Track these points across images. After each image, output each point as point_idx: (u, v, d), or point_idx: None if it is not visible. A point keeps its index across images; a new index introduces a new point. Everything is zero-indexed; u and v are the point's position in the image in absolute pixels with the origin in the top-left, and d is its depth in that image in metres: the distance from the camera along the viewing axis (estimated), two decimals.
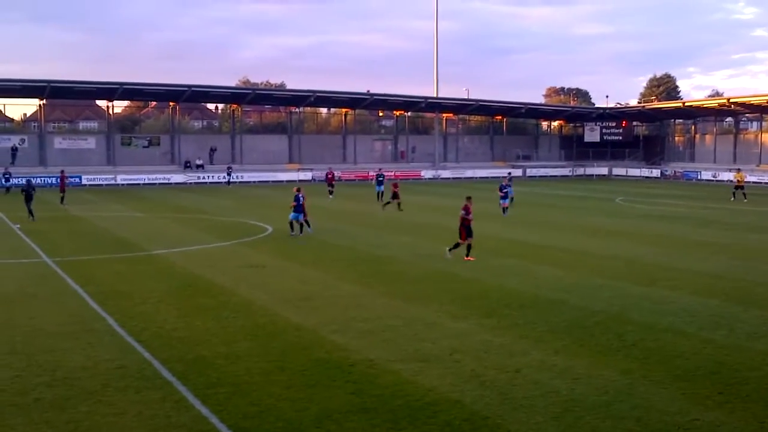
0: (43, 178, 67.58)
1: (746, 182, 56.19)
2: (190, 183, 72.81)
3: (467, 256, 25.65)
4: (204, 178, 73.92)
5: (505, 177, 44.87)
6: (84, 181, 70.07)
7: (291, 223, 32.32)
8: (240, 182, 72.66)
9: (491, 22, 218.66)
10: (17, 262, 25.69)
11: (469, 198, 27.04)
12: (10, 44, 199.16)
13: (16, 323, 16.96)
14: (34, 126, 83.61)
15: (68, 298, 19.70)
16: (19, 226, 35.51)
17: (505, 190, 41.17)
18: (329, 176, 58.53)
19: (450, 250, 26.02)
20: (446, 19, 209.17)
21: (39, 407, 11.71)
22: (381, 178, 52.54)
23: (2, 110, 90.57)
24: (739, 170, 57.16)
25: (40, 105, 75.86)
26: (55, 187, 65.84)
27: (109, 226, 36.40)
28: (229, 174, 73.59)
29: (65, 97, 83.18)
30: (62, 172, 53.08)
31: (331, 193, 55.65)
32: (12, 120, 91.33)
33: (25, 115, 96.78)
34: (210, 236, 32.15)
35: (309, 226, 32.55)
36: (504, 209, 40.79)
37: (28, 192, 39.10)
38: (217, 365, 13.81)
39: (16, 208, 44.39)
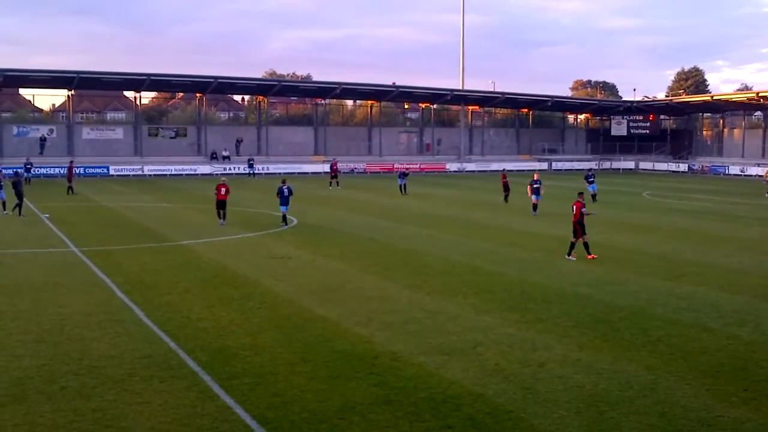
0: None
1: None
2: (217, 174, 73.11)
3: (588, 254, 24.67)
4: (230, 169, 74.12)
5: (535, 172, 43.02)
6: (111, 172, 70.62)
7: (284, 216, 33.04)
8: (265, 173, 72.75)
9: (518, 14, 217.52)
10: (45, 251, 25.98)
11: (581, 194, 26.10)
12: (44, 36, 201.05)
13: (43, 312, 17.17)
14: (63, 116, 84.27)
15: (95, 288, 19.90)
16: (48, 215, 35.87)
17: (536, 185, 38.74)
18: (334, 167, 58.83)
19: (569, 254, 24.94)
20: (473, 12, 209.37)
21: (66, 395, 11.87)
22: (404, 173, 52.67)
23: (32, 101, 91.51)
24: None
25: (68, 96, 76.48)
26: (82, 177, 66.59)
27: (135, 216, 36.70)
28: (251, 166, 73.77)
29: (93, 88, 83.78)
30: (71, 162, 53.33)
31: (332, 184, 56.30)
32: (41, 110, 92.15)
33: (53, 105, 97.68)
34: (235, 227, 32.30)
35: (224, 218, 33.32)
36: (534, 207, 38.34)
37: (18, 185, 36.33)
38: (241, 356, 13.92)
39: (44, 197, 44.90)
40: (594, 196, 43.57)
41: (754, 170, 77.31)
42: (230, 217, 34.19)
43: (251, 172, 72.97)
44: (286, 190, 32.67)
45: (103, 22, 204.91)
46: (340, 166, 77.25)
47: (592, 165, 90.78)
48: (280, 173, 74.19)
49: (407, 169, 59.39)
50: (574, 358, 13.91)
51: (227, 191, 33.58)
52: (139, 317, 16.80)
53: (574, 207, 25.05)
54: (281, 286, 20.28)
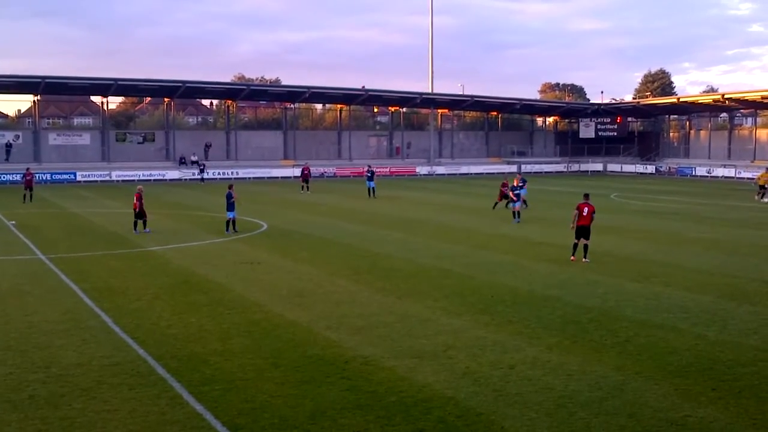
0: (38, 175, 67.48)
1: (750, 178, 55.61)
2: (185, 179, 72.70)
3: (584, 257, 24.62)
4: (207, 173, 73.68)
5: (517, 176, 40.57)
6: (79, 178, 70.01)
7: (229, 222, 31.85)
8: (235, 178, 72.34)
9: (488, 17, 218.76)
10: (11, 259, 25.66)
11: (586, 196, 25.54)
12: (8, 40, 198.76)
13: (10, 320, 16.96)
14: (29, 122, 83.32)
15: (63, 295, 19.69)
16: (14, 222, 35.46)
17: (517, 192, 37.25)
18: (305, 172, 58.50)
19: (584, 257, 24.58)
20: (442, 14, 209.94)
21: (33, 404, 11.73)
22: (370, 174, 52.62)
23: None
24: (767, 169, 53.12)
25: (34, 101, 75.67)
26: (49, 183, 65.95)
27: (103, 222, 36.39)
28: (201, 171, 72.93)
29: (60, 93, 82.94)
30: (27, 169, 51.54)
31: (304, 188, 55.91)
32: (6, 116, 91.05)
33: (19, 111, 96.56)
34: (204, 232, 32.15)
35: (145, 226, 31.92)
36: (515, 214, 36.61)
37: None
38: (211, 362, 13.83)
39: (12, 204, 44.39)
40: (524, 202, 40.93)
41: (720, 171, 78.31)
42: (198, 222, 33.99)
43: (201, 177, 72.18)
44: (230, 195, 31.70)
45: (69, 25, 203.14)
46: (311, 170, 77.37)
47: (561, 167, 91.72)
48: (249, 178, 74.08)
49: (369, 166, 58.80)
50: (544, 359, 13.99)
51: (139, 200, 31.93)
52: (107, 324, 16.64)
53: (586, 209, 24.65)
54: (251, 291, 20.19)
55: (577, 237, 24.82)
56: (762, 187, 49.82)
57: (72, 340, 15.33)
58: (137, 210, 31.87)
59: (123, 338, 15.45)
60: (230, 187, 32.62)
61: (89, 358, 14.01)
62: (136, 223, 31.98)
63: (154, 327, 16.37)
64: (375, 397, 11.98)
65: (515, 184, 37.52)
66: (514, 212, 36.60)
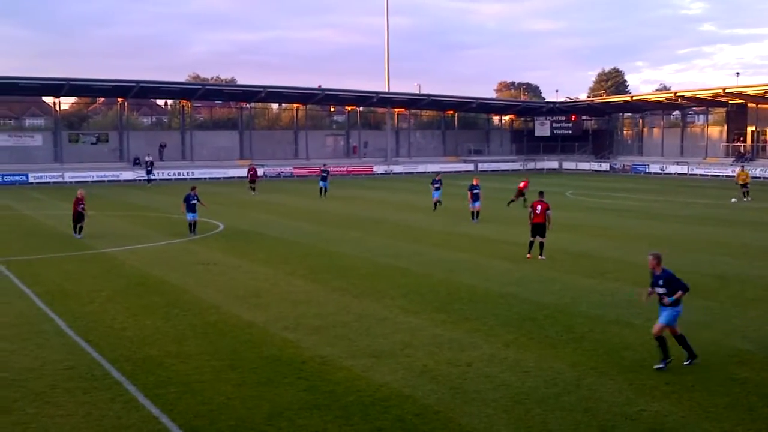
0: None
1: (702, 175, 54.88)
2: (140, 180, 71.85)
3: (540, 255, 24.81)
4: (154, 174, 72.84)
5: (475, 177, 39.66)
6: (30, 179, 68.85)
7: (191, 224, 31.18)
8: (191, 179, 71.61)
9: (444, 17, 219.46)
10: None
11: (541, 193, 25.76)
12: None
13: None
14: None
15: (15, 299, 19.36)
16: None
17: (476, 191, 35.99)
18: (251, 173, 57.49)
19: (540, 255, 24.77)
20: (399, 14, 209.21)
21: None
22: (325, 174, 52.39)
23: None
24: (743, 167, 51.63)
25: None
26: (0, 185, 64.86)
27: (56, 224, 35.81)
28: (149, 171, 70.90)
29: (10, 94, 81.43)
30: None
31: (252, 189, 55.05)
32: None
33: None
34: (160, 234, 31.83)
35: (79, 232, 30.48)
36: (475, 214, 36.00)
37: None
38: (166, 364, 13.70)
39: None
40: (436, 204, 40.70)
41: (673, 168, 79.41)
42: (153, 223, 33.63)
43: (148, 179, 70.38)
44: (193, 198, 31.17)
45: (19, 25, 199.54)
46: (267, 170, 77.08)
47: (517, 165, 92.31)
48: (205, 178, 73.46)
49: (324, 165, 58.18)
50: (501, 356, 14.08)
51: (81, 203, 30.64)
52: (60, 328, 16.40)
53: (539, 207, 24.85)
54: (207, 292, 20.04)
55: (533, 235, 25.01)
56: (743, 185, 47.97)
57: (24, 344, 15.08)
58: (78, 213, 30.45)
59: (77, 342, 15.24)
60: (193, 189, 32.02)
61: (42, 363, 13.80)
62: (76, 227, 30.64)
63: (109, 330, 16.17)
64: (333, 396, 11.96)
65: (474, 183, 36.55)
66: (472, 212, 36.07)
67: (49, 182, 68.81)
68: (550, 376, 12.88)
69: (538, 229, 24.84)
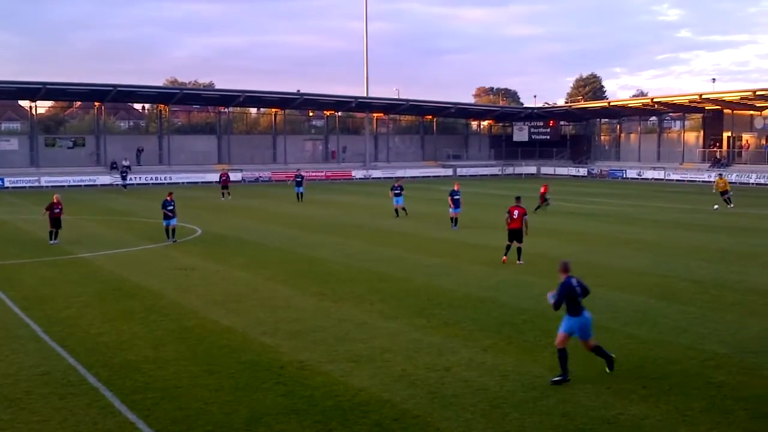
0: None
1: (679, 180, 53.80)
2: (116, 184, 71.43)
3: (505, 256, 24.98)
4: (131, 179, 72.43)
5: (456, 182, 39.23)
6: (6, 184, 68.29)
7: (167, 230, 30.62)
8: (168, 183, 71.26)
9: (424, 23, 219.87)
10: None
11: (518, 198, 25.82)
12: None
13: None
14: None
15: None
16: None
17: (456, 197, 35.30)
18: (223, 178, 56.83)
19: (518, 260, 24.87)
20: (380, 19, 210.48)
21: None
22: (300, 179, 52.17)
23: None
24: (720, 175, 50.19)
25: None
26: None
27: (32, 229, 35.50)
28: (124, 177, 70.46)
29: None
30: None
31: (224, 195, 54.38)
32: None
33: None
34: (137, 238, 31.65)
35: (55, 238, 30.14)
36: (454, 220, 35.26)
37: None
38: (144, 370, 13.61)
39: None
40: (397, 210, 40.24)
41: (650, 174, 79.97)
42: (131, 228, 33.41)
43: (123, 183, 69.95)
44: (170, 204, 30.54)
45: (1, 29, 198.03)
46: (245, 174, 76.92)
47: (496, 170, 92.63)
48: (183, 183, 73.15)
49: (298, 170, 57.36)
50: (479, 360, 14.10)
51: (61, 209, 30.62)
52: (36, 333, 16.26)
53: (516, 212, 24.79)
54: (185, 297, 19.94)
55: (510, 239, 25.08)
56: (723, 193, 46.62)
57: None
58: (54, 218, 30.13)
59: (53, 347, 15.11)
60: (170, 194, 31.31)
61: (17, 368, 13.67)
62: (52, 233, 30.21)
63: (85, 335, 16.05)
64: (311, 401, 11.93)
65: (455, 188, 35.94)
66: (452, 218, 35.38)
67: (25, 186, 68.27)
68: (528, 380, 12.91)
69: (516, 234, 24.91)
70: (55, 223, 30.22)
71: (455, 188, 35.95)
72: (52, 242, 29.91)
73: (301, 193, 51.22)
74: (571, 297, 13.00)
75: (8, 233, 34.48)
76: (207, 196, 55.32)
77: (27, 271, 24.22)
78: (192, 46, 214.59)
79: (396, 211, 40.32)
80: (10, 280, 22.43)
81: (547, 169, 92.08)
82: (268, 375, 13.26)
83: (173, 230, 30.73)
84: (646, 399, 12.05)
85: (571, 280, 13.17)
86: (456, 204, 35.29)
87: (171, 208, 30.62)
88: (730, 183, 50.87)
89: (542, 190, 44.71)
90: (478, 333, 16.15)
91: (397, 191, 40.39)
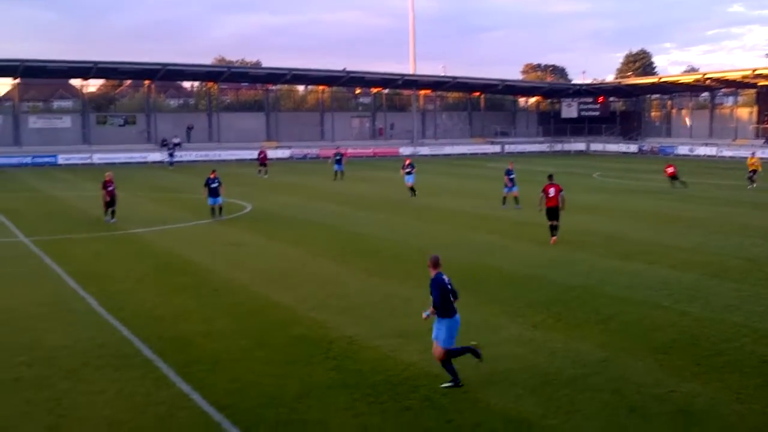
0: (18, 158, 67.40)
1: (731, 157, 52.29)
2: (167, 161, 72.20)
3: (552, 236, 24.38)
4: (180, 156, 73.10)
5: (510, 161, 37.87)
6: (60, 161, 69.43)
7: (212, 209, 30.48)
8: (218, 160, 71.74)
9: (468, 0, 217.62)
10: None
11: (551, 177, 25.24)
12: None
13: None
14: (9, 105, 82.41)
15: (47, 278, 19.62)
16: None
17: (512, 176, 34.21)
18: (261, 155, 56.90)
19: (553, 236, 24.35)
20: None
21: (19, 386, 11.73)
22: (339, 157, 52.00)
23: None
24: (753, 154, 48.45)
25: (14, 84, 74.97)
26: (30, 167, 65.55)
27: (86, 205, 36.11)
28: (171, 154, 69.38)
29: (39, 77, 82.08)
30: None
31: (261, 172, 54.39)
32: None
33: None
34: (188, 214, 32.03)
35: (113, 216, 29.80)
36: (511, 199, 34.00)
37: None
38: (196, 343, 13.84)
39: None
40: (412, 189, 39.19)
41: (702, 150, 78.61)
42: (181, 204, 33.82)
43: (171, 161, 68.74)
44: (213, 181, 30.30)
45: (47, 8, 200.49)
46: (294, 152, 77.38)
47: (544, 147, 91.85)
48: (232, 160, 73.69)
49: (337, 148, 56.97)
50: (528, 337, 14.07)
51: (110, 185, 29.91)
52: (92, 306, 16.60)
53: (552, 190, 24.40)
54: (236, 272, 20.17)
55: (550, 218, 24.75)
56: (753, 172, 45.13)
57: (57, 322, 15.29)
58: (109, 196, 29.83)
59: (108, 320, 15.42)
60: (212, 172, 31.05)
61: (74, 341, 13.98)
62: (109, 212, 29.98)
63: (139, 309, 16.34)
64: (361, 375, 12.02)
65: (509, 167, 34.79)
66: (514, 198, 34.07)
67: (77, 164, 69.30)
68: (577, 357, 12.86)
69: (554, 212, 24.49)
70: (111, 201, 29.92)
71: (509, 167, 34.94)
72: (109, 220, 29.59)
73: (342, 172, 50.95)
74: (444, 294, 11.65)
75: (62, 209, 35.12)
76: (255, 172, 55.61)
77: (81, 246, 24.68)
78: (237, 25, 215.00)
79: (410, 190, 39.28)
80: (66, 254, 22.86)
81: (596, 146, 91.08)
82: (317, 349, 13.39)
83: (220, 208, 30.56)
84: (698, 376, 11.94)
85: (443, 276, 11.83)
86: (512, 182, 34.32)
87: (215, 186, 30.29)
88: None
89: (671, 170, 44.09)
90: (527, 310, 16.10)
91: (408, 170, 39.85)
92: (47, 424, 10.41)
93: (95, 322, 15.37)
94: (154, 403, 10.99)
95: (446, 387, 11.47)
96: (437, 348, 11.62)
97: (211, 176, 30.60)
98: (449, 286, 11.77)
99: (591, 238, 25.25)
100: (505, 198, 34.46)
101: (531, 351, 13.25)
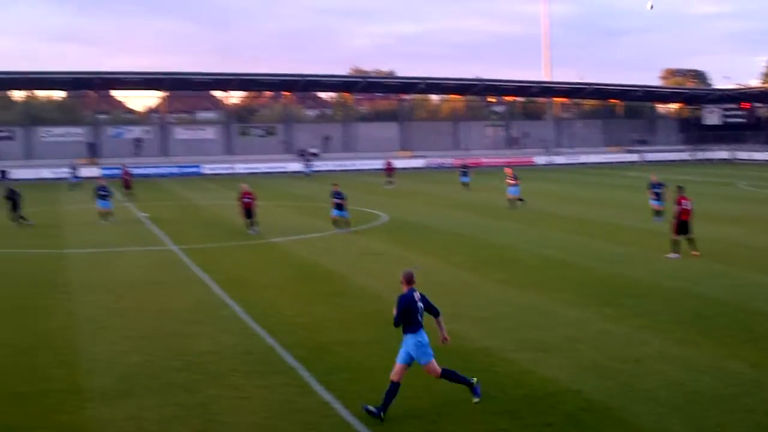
0: (166, 168, 70.58)
1: None
2: (305, 171, 73.85)
3: (693, 250, 23.20)
4: (318, 166, 74.68)
5: (653, 174, 35.58)
6: (204, 171, 72.19)
7: (334, 221, 30.64)
8: (353, 170, 72.94)
9: (601, 2, 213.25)
10: (145, 250, 26.77)
11: (680, 188, 24.23)
12: (124, 37, 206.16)
13: (145, 309, 17.72)
14: (156, 117, 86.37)
15: (194, 285, 20.43)
16: (147, 215, 36.91)
17: (657, 190, 32.43)
18: (388, 166, 56.94)
19: (671, 253, 23.22)
20: (555, 1, 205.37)
21: (170, 390, 12.25)
22: (465, 170, 51.82)
23: (124, 102, 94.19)
24: None
25: (162, 97, 78.56)
26: (176, 176, 68.43)
27: (228, 214, 37.32)
28: (308, 163, 70.14)
29: (183, 89, 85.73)
30: (124, 166, 53.29)
31: (389, 183, 54.47)
32: (133, 112, 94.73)
33: (148, 107, 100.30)
34: (325, 224, 32.58)
35: (255, 226, 30.09)
36: (657, 213, 31.92)
37: (13, 200, 33.76)
38: (336, 351, 14.11)
39: (144, 197, 46.19)
40: (519, 200, 38.71)
41: None
42: (318, 213, 34.54)
43: (307, 171, 69.46)
44: (339, 195, 30.27)
45: (180, 21, 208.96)
46: (429, 161, 77.81)
47: (685, 155, 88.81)
48: (367, 169, 74.69)
49: (464, 163, 57.07)
50: (673, 354, 13.67)
51: (252, 198, 30.44)
52: (236, 313, 17.18)
53: (689, 203, 23.37)
54: (372, 281, 20.45)
55: (682, 232, 23.42)
56: None
57: (205, 328, 15.90)
58: (247, 207, 30.20)
59: (253, 327, 15.92)
60: (334, 185, 31.05)
61: (222, 347, 14.51)
62: (249, 222, 30.28)
63: (282, 317, 16.80)
64: (500, 389, 11.97)
65: (653, 181, 32.90)
66: (657, 210, 32.07)
67: (220, 173, 71.85)
68: (726, 376, 12.38)
69: (687, 226, 23.40)
70: (248, 212, 30.37)
71: (653, 180, 33.05)
72: (252, 231, 29.81)
73: (467, 183, 50.77)
74: (408, 312, 11.42)
75: (208, 218, 36.53)
76: (397, 182, 56.15)
77: (226, 254, 25.59)
78: (369, 35, 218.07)
79: (518, 200, 38.60)
80: (212, 262, 23.75)
81: (741, 154, 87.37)
82: (455, 361, 13.37)
83: (346, 222, 30.35)
84: None
85: (414, 294, 11.61)
86: (657, 196, 32.36)
87: (338, 201, 30.15)
88: None
89: None
90: (670, 324, 15.63)
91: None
92: (197, 429, 10.84)
93: (240, 328, 15.90)
94: (299, 411, 11.29)
95: (369, 411, 10.96)
96: (427, 367, 11.39)
97: (334, 189, 30.53)
98: (419, 303, 11.58)
99: (737, 251, 24.28)
100: (658, 211, 32.22)
101: (675, 368, 12.86)
